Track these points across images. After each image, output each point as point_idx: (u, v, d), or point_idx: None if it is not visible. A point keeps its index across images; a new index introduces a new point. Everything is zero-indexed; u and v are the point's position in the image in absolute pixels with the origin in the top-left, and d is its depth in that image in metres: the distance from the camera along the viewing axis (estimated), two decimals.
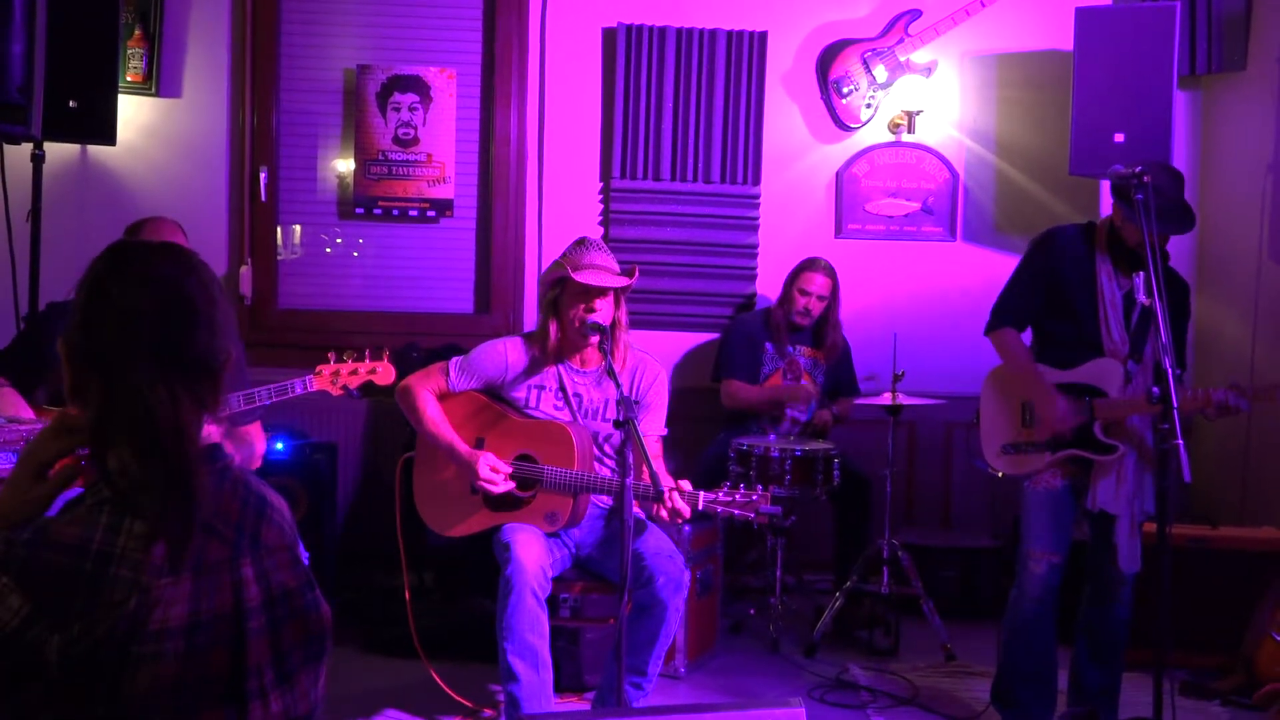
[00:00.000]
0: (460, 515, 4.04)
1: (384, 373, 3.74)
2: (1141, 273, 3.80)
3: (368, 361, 3.72)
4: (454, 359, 4.10)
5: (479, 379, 4.07)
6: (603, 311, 3.90)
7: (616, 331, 3.97)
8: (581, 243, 4.01)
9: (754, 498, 3.66)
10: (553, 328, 3.99)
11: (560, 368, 4.05)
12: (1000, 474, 4.09)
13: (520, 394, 4.05)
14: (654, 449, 4.03)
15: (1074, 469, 3.98)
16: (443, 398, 4.06)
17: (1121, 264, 3.94)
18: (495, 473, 3.89)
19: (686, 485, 3.69)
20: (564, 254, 4.01)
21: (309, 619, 1.76)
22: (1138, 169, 3.63)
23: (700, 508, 3.68)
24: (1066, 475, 3.99)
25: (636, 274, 3.99)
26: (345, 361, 3.69)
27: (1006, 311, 4.09)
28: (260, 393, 3.62)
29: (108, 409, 1.65)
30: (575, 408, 4.04)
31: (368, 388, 3.76)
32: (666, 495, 3.65)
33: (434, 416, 4.00)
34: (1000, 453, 4.06)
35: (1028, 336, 4.18)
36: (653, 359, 4.17)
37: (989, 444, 4.11)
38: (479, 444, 4.00)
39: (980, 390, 4.21)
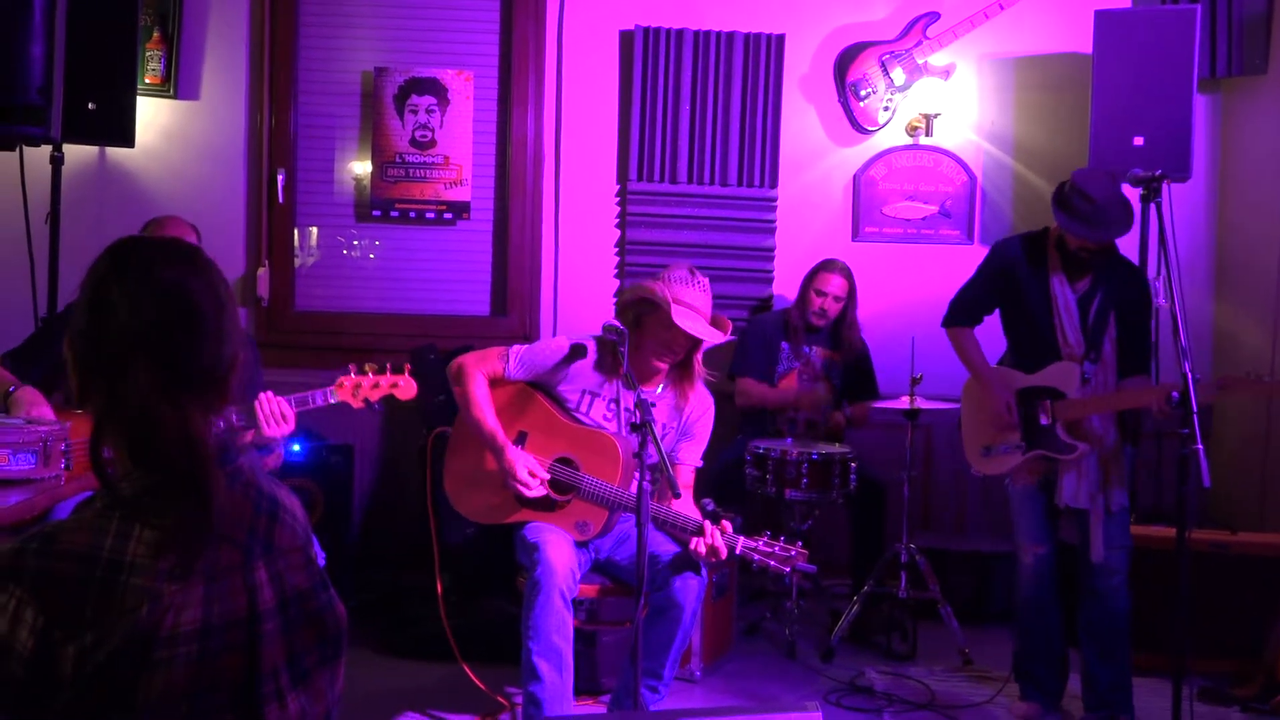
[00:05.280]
0: (489, 503, 4.01)
1: (405, 387, 3.72)
2: (1161, 276, 3.84)
3: (389, 375, 3.70)
4: (515, 347, 4.05)
5: (536, 372, 4.03)
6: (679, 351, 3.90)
7: (693, 374, 3.99)
8: (690, 272, 3.95)
9: (792, 553, 3.68)
10: (631, 342, 3.88)
11: (618, 379, 4.02)
12: (981, 474, 4.41)
13: (572, 395, 4.02)
14: (687, 478, 4.02)
15: (1046, 467, 4.24)
16: (494, 384, 4.03)
17: (1072, 268, 4.17)
18: (533, 477, 3.86)
19: (728, 527, 3.70)
20: (666, 275, 3.94)
21: (324, 620, 1.74)
22: (1158, 172, 3.89)
23: (738, 552, 3.69)
24: (1038, 473, 4.26)
25: (730, 329, 3.94)
26: (366, 374, 3.68)
27: (961, 309, 4.45)
28: None
29: (109, 416, 1.62)
30: (622, 420, 4.01)
31: (388, 400, 3.75)
32: (708, 532, 3.64)
33: (481, 403, 3.95)
34: (980, 454, 4.35)
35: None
36: (708, 393, 4.12)
37: (970, 446, 4.41)
38: (521, 437, 3.97)
39: (961, 396, 4.52)
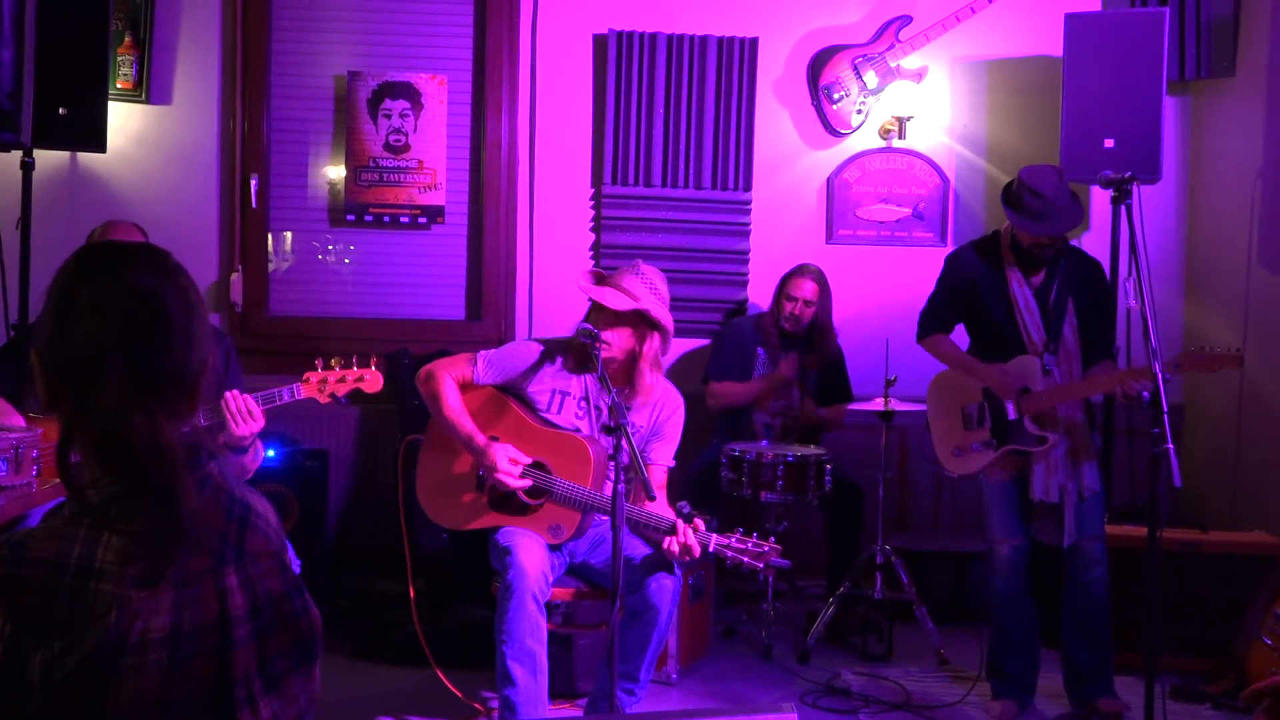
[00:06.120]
0: (462, 510, 4.01)
1: (372, 380, 3.69)
2: (1131, 277, 3.87)
3: (355, 369, 3.67)
4: (482, 351, 4.06)
5: (505, 375, 4.04)
6: (609, 335, 3.87)
7: (639, 364, 3.95)
8: (631, 264, 4.00)
9: (765, 549, 3.69)
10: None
11: (587, 377, 4.03)
12: (955, 475, 4.49)
13: (542, 396, 4.03)
14: (660, 478, 4.03)
15: (1017, 461, 4.34)
16: (463, 388, 4.03)
17: (1027, 266, 4.30)
18: (514, 464, 3.86)
19: (700, 525, 3.70)
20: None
21: (298, 624, 1.73)
22: (1128, 174, 3.91)
23: (711, 549, 3.69)
24: (1011, 469, 4.36)
25: (646, 304, 3.89)
26: (333, 369, 3.65)
27: (933, 320, 4.54)
28: None
29: (78, 423, 1.60)
30: (594, 419, 4.02)
31: (355, 395, 3.72)
32: (680, 530, 3.65)
33: (455, 405, 3.96)
34: (951, 455, 4.45)
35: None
36: (677, 392, 4.13)
37: (941, 448, 4.50)
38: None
39: (927, 399, 4.62)
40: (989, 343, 4.40)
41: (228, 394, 3.42)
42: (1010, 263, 4.29)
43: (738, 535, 3.72)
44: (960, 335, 4.56)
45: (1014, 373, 4.29)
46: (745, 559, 3.68)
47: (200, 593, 1.61)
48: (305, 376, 3.62)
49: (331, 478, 5.54)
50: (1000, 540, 4.38)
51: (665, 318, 3.95)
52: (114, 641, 1.51)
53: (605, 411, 4.02)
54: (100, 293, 1.62)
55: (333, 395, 3.64)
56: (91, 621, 1.51)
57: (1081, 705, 4.36)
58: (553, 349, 4.07)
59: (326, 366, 3.64)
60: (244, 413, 3.43)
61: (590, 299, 3.92)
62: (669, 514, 3.75)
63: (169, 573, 1.58)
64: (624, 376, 3.96)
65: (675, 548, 3.67)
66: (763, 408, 5.50)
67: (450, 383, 3.99)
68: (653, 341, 3.96)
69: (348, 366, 3.65)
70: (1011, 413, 4.27)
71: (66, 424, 1.62)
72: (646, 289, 3.94)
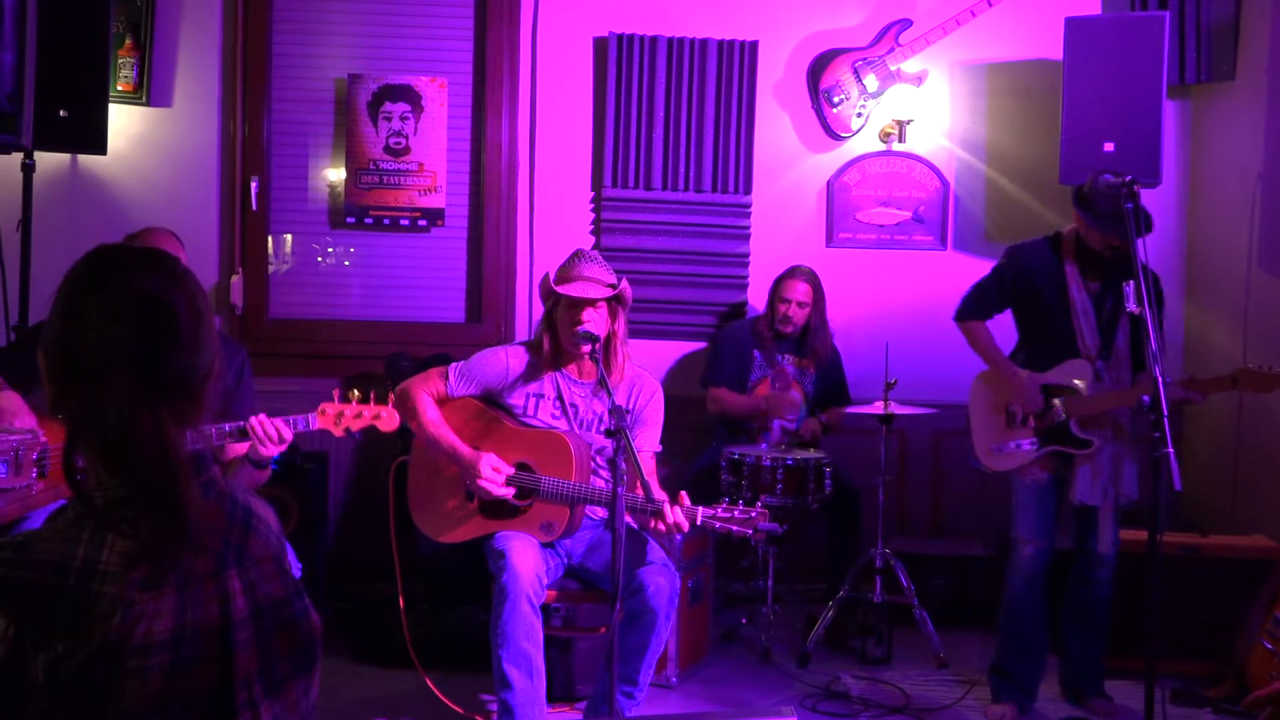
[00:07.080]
0: (454, 522, 4.03)
1: (388, 419, 3.68)
2: (1131, 282, 3.90)
3: (373, 405, 3.66)
4: (454, 364, 4.09)
5: (479, 385, 4.06)
6: (593, 322, 3.90)
7: (614, 343, 3.99)
8: (577, 254, 4.04)
9: (753, 514, 3.67)
10: (546, 338, 4.01)
11: (559, 376, 4.05)
12: (991, 471, 4.46)
13: (518, 401, 4.05)
14: (648, 465, 4.03)
15: (1056, 462, 4.34)
16: (440, 403, 4.06)
17: (1089, 269, 4.31)
18: (497, 472, 3.88)
19: (685, 500, 3.70)
20: (560, 266, 4.03)
21: (298, 628, 1.74)
22: (1128, 178, 3.95)
23: (699, 523, 3.69)
24: (1050, 468, 4.36)
25: (623, 284, 3.97)
26: (350, 403, 3.65)
27: (976, 307, 4.51)
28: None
29: (84, 426, 1.61)
30: (571, 417, 4.04)
31: (369, 432, 3.72)
32: (666, 510, 3.65)
33: (434, 419, 4.00)
34: (991, 452, 4.42)
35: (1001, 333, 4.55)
36: (650, 376, 4.17)
37: (980, 444, 4.47)
38: None
39: (970, 394, 4.56)
40: (1041, 339, 4.41)
41: (255, 419, 3.45)
42: (1072, 264, 4.31)
43: (724, 505, 3.72)
44: (1003, 331, 4.56)
45: (1065, 376, 4.30)
46: (734, 527, 3.67)
47: (202, 595, 1.62)
48: (321, 408, 3.62)
49: (331, 481, 5.55)
50: (1026, 540, 4.38)
51: (629, 293, 4.03)
52: (117, 643, 1.52)
53: (582, 408, 4.06)
54: (110, 297, 1.62)
55: (347, 430, 3.65)
56: (95, 623, 1.51)
57: (1080, 703, 4.41)
58: (521, 351, 4.10)
59: (343, 399, 3.65)
60: (274, 437, 3.48)
61: (569, 297, 3.92)
62: (656, 495, 3.75)
63: (172, 576, 1.58)
64: (602, 358, 3.97)
65: (664, 527, 3.67)
66: (762, 425, 5.48)
67: (425, 398, 4.03)
68: (620, 319, 4.02)
69: (364, 402, 3.66)
70: (1057, 415, 4.29)
71: (73, 427, 1.62)
72: (606, 270, 3.99)
